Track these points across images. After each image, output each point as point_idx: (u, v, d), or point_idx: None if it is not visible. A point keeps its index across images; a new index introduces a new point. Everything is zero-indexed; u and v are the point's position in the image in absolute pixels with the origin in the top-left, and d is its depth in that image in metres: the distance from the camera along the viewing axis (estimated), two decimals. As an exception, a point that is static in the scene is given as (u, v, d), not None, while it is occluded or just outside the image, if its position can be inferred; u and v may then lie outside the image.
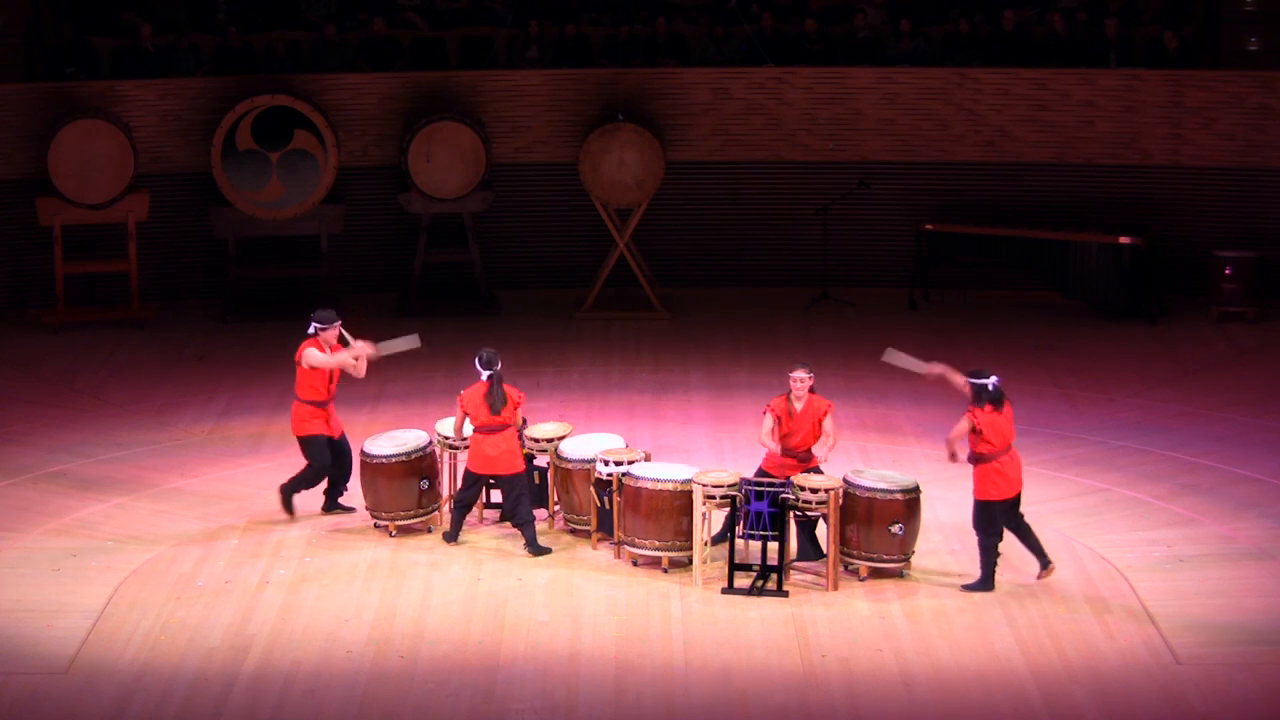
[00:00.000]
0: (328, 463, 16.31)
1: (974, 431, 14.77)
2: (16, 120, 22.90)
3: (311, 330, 16.27)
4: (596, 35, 24.62)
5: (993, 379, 14.88)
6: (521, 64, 24.25)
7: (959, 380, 15.14)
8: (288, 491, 16.40)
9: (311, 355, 16.18)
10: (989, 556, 14.94)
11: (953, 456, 15.09)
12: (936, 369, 15.41)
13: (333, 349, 16.27)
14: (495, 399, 15.64)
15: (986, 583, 14.94)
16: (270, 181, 22.86)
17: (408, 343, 16.66)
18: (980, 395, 14.84)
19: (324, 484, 16.57)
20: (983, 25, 24.31)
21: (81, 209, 22.47)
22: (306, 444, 16.23)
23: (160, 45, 23.98)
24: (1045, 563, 15.17)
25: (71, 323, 22.57)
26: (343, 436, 16.50)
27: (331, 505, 16.63)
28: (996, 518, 14.94)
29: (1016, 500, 15.03)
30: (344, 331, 16.48)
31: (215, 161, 22.72)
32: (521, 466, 15.87)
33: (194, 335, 22.39)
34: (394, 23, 24.62)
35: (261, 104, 22.79)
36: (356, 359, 16.30)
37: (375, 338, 21.99)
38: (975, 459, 14.86)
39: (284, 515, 16.38)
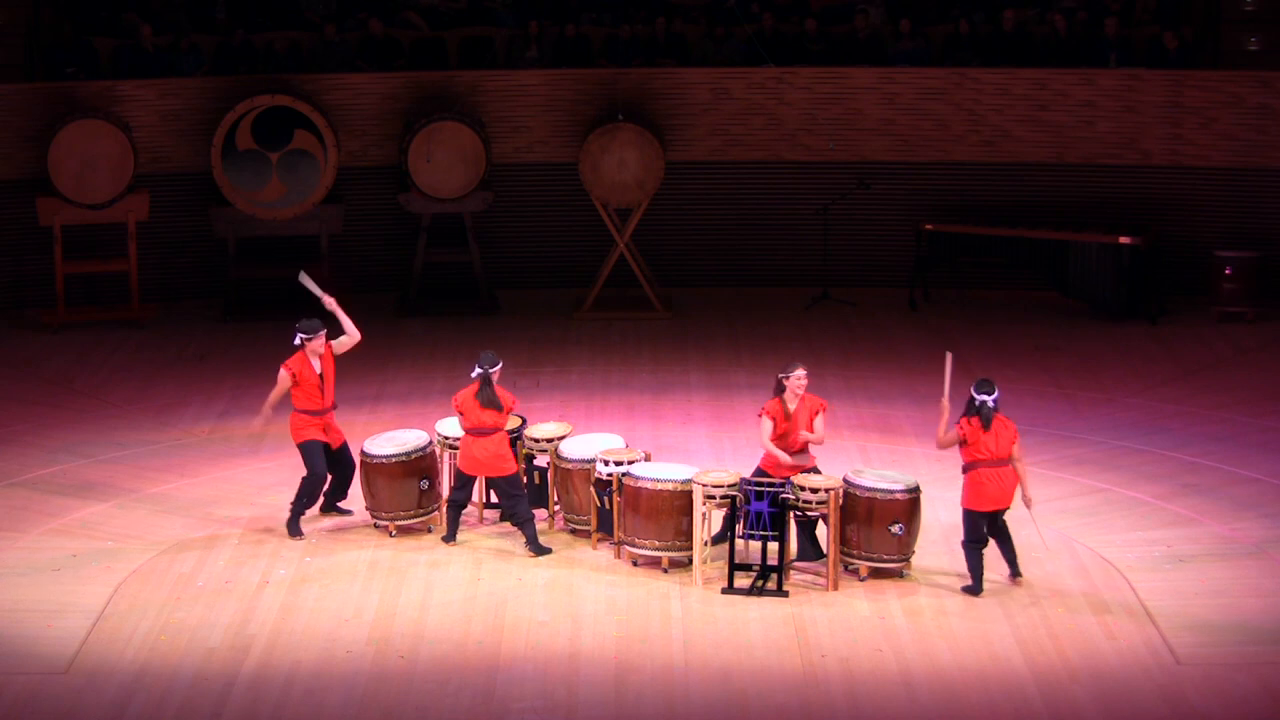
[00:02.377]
0: (323, 471, 16.12)
1: (961, 441, 14.83)
2: (16, 120, 22.90)
3: (298, 341, 16.07)
4: (596, 35, 24.62)
5: (985, 397, 14.80)
6: (521, 64, 24.25)
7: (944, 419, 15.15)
8: (293, 521, 16.18)
9: (280, 380, 16.05)
10: (974, 561, 14.93)
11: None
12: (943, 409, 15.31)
13: (322, 358, 16.13)
14: (484, 397, 15.63)
15: (976, 587, 14.94)
16: (270, 181, 22.86)
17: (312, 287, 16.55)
18: (968, 407, 14.85)
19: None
20: (983, 25, 24.32)
21: (81, 209, 22.48)
22: (303, 451, 16.12)
23: (160, 45, 23.99)
24: (1015, 573, 15.18)
25: (71, 323, 22.57)
26: (343, 446, 16.37)
27: (329, 507, 16.60)
28: (978, 526, 14.93)
29: (998, 514, 15.01)
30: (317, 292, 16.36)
31: (215, 161, 22.73)
32: (512, 469, 15.84)
33: (194, 335, 22.39)
34: (394, 23, 24.64)
35: (261, 104, 22.79)
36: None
37: (375, 338, 22.06)
38: (964, 467, 14.91)
39: (287, 526, 16.27)
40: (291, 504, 16.20)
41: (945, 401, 15.13)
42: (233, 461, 18.04)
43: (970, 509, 14.90)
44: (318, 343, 16.12)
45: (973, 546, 14.94)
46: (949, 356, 15.33)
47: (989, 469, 14.80)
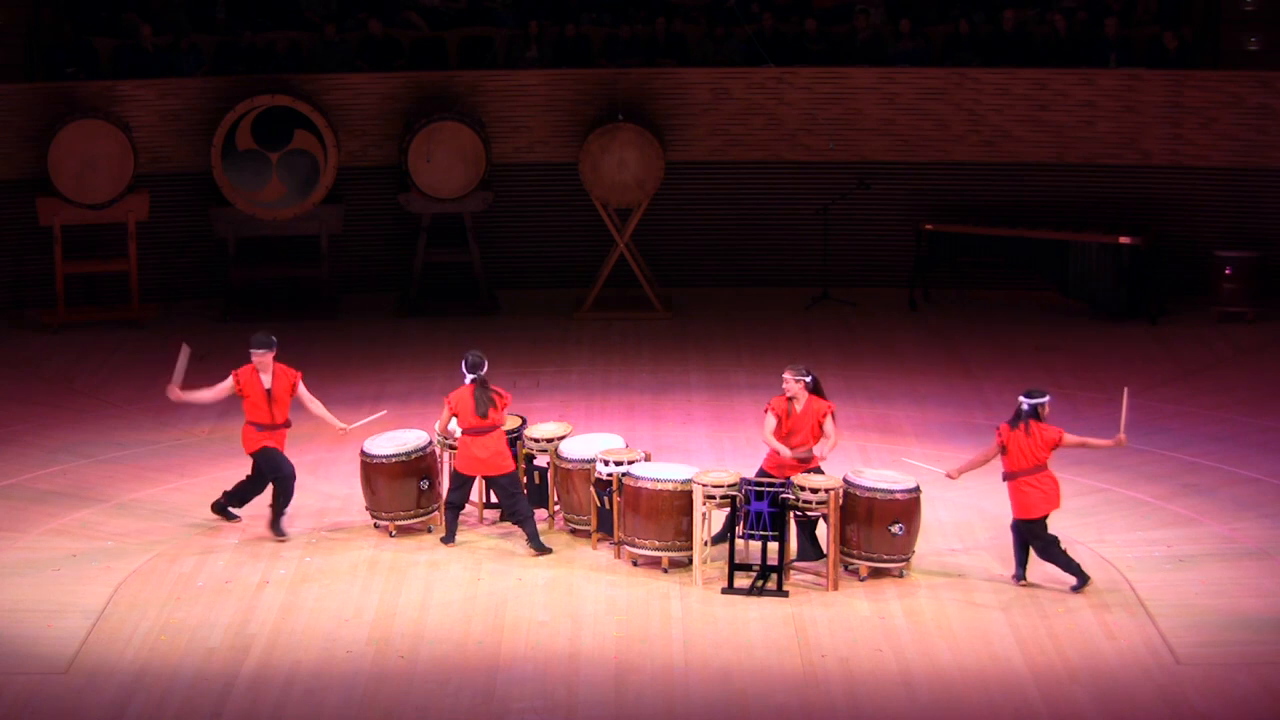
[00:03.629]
0: (290, 470, 16.02)
1: (1002, 449, 14.85)
2: (16, 120, 22.90)
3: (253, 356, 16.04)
4: (596, 35, 24.62)
5: (1026, 401, 14.90)
6: (521, 64, 24.25)
7: (971, 462, 15.28)
8: (274, 522, 16.13)
9: (225, 383, 16.08)
10: (1061, 559, 14.93)
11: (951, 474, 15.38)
12: (955, 474, 15.45)
13: (275, 379, 15.95)
14: (481, 402, 15.62)
15: (1079, 575, 14.93)
16: (270, 181, 22.86)
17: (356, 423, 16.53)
18: (1016, 415, 14.92)
19: (235, 483, 16.48)
20: (983, 25, 24.32)
21: (81, 209, 22.48)
22: (260, 459, 16.04)
23: (160, 45, 23.98)
24: (1021, 576, 15.22)
25: (71, 323, 22.57)
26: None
27: (221, 507, 16.43)
28: (1038, 531, 14.95)
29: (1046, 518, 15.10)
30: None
31: (215, 161, 22.72)
32: (511, 466, 15.85)
33: (194, 335, 22.34)
34: (394, 23, 24.63)
35: (261, 104, 22.79)
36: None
37: (376, 338, 22.07)
38: (1004, 475, 14.95)
39: (270, 528, 16.20)
40: (270, 507, 16.14)
41: (952, 473, 15.38)
42: (233, 461, 18.00)
43: (1024, 519, 14.95)
44: (260, 358, 16.02)
45: (1050, 549, 14.95)
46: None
47: (1028, 477, 14.87)
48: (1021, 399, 15.01)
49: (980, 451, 15.34)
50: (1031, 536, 15.00)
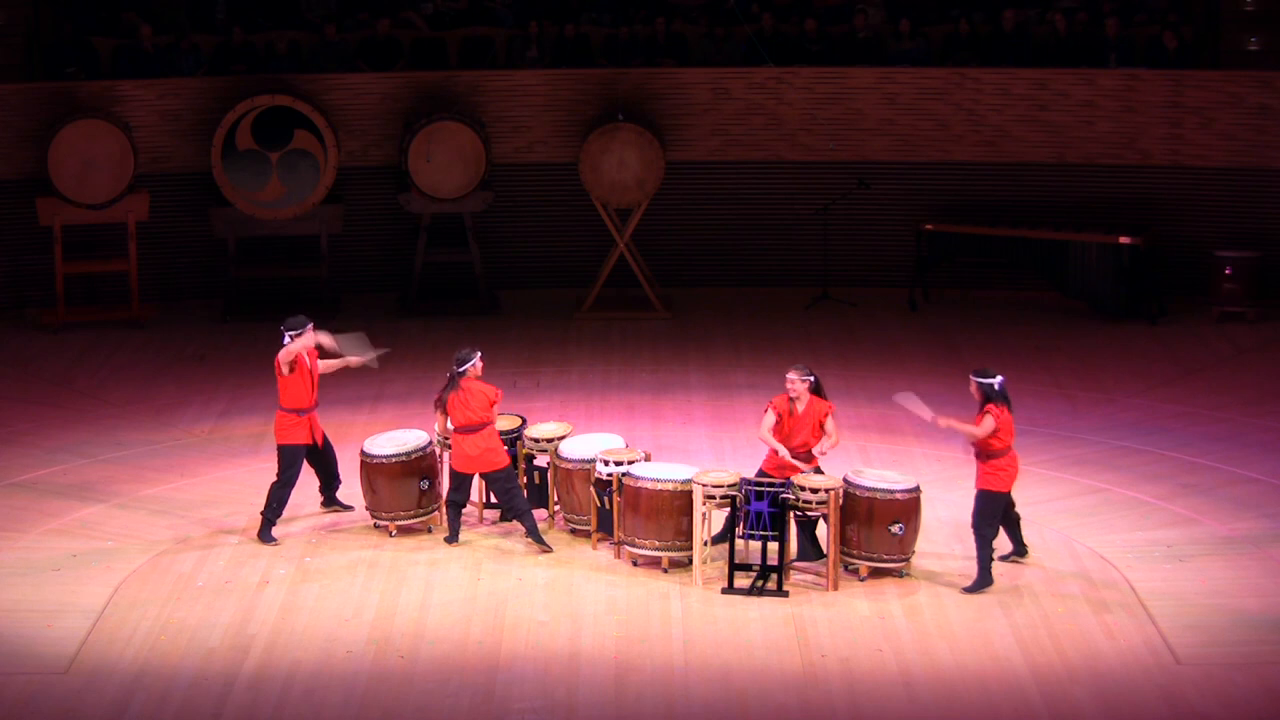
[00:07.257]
0: (294, 478, 16.01)
1: (994, 430, 14.85)
2: (16, 120, 22.90)
3: (286, 341, 15.96)
4: (596, 35, 24.62)
5: (998, 379, 14.91)
6: (521, 64, 24.25)
7: (965, 429, 15.12)
8: (264, 530, 16.04)
9: (284, 353, 15.81)
10: (986, 550, 14.95)
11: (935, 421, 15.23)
12: (943, 421, 15.27)
13: (310, 353, 16.06)
14: (443, 396, 15.68)
15: (985, 577, 14.95)
16: (270, 181, 22.86)
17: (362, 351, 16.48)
18: (990, 395, 14.88)
19: (318, 484, 16.55)
20: (983, 25, 24.32)
21: (81, 209, 22.48)
22: (284, 453, 16.01)
23: (160, 45, 23.99)
24: (1022, 551, 15.31)
25: (71, 323, 22.57)
26: (324, 440, 16.32)
27: (330, 501, 16.60)
28: (998, 510, 14.98)
29: (1010, 496, 15.14)
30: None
31: (215, 161, 22.73)
32: (504, 462, 15.84)
33: (194, 335, 22.39)
34: (394, 22, 24.63)
35: (261, 104, 22.79)
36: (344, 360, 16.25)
37: (375, 338, 22.03)
38: (987, 455, 14.90)
39: (260, 536, 16.17)
40: (262, 513, 16.08)
41: (939, 419, 15.20)
42: (233, 462, 18.05)
43: (996, 490, 14.95)
44: (308, 338, 16.05)
45: (989, 534, 14.95)
46: (906, 398, 15.47)
47: (1010, 451, 14.95)
48: (994, 381, 14.89)
49: (972, 424, 15.08)
50: (987, 510, 14.96)
